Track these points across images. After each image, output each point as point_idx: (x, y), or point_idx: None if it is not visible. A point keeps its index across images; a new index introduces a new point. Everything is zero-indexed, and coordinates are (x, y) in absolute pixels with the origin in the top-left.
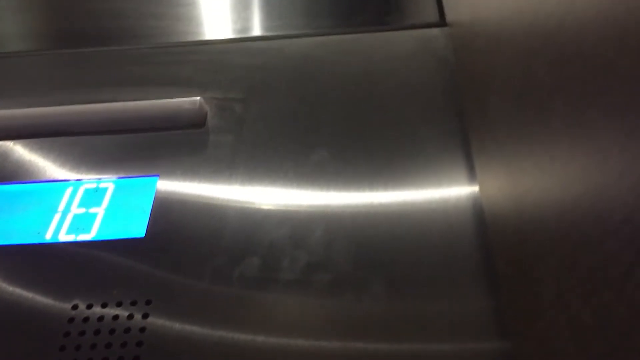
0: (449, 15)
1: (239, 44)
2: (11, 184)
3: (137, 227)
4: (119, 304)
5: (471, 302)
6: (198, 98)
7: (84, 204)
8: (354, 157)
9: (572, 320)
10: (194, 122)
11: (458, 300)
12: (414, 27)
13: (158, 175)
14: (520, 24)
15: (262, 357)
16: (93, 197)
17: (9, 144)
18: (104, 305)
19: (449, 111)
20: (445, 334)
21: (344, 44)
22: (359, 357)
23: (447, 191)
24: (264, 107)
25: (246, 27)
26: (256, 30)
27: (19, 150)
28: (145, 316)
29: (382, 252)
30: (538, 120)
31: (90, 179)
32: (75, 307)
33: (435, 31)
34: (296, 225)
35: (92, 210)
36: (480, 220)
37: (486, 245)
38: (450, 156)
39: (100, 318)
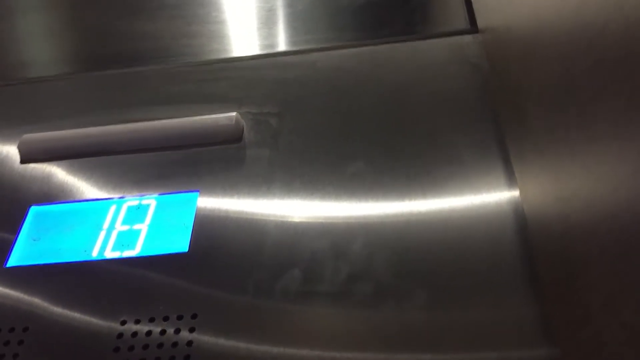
0: (480, 22)
1: (271, 59)
2: (57, 203)
3: (180, 243)
4: (165, 319)
5: (516, 310)
6: (234, 113)
7: (128, 221)
8: (390, 167)
9: (625, 324)
10: (231, 137)
11: (502, 308)
12: (444, 34)
13: (198, 191)
14: (560, 28)
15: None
16: (136, 214)
17: (53, 165)
18: (151, 320)
19: (483, 118)
20: (490, 343)
21: (375, 55)
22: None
23: (487, 198)
24: (298, 120)
25: (276, 43)
26: (286, 45)
27: (63, 171)
28: (191, 330)
29: (423, 261)
30: (583, 124)
31: (132, 197)
32: (123, 322)
33: (466, 38)
34: (336, 237)
35: (136, 227)
36: (521, 226)
37: (529, 251)
38: (487, 163)
39: (148, 333)
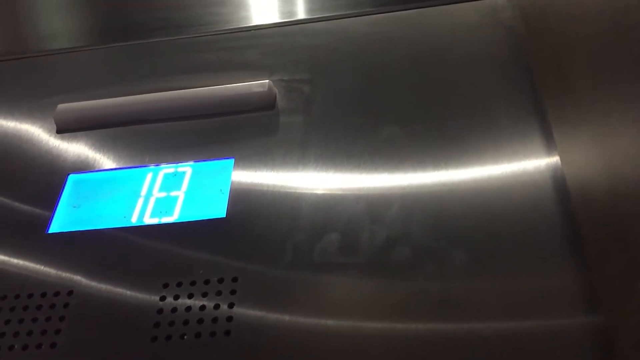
0: None
1: (302, 26)
2: (94, 172)
3: (217, 208)
4: (206, 282)
5: (557, 276)
6: (267, 81)
7: (165, 188)
8: (425, 131)
9: None
10: (264, 105)
11: (544, 275)
12: None
13: (233, 158)
14: None
15: (347, 331)
16: (172, 181)
17: (89, 134)
18: (192, 284)
19: (519, 81)
20: (532, 310)
21: (408, 19)
22: (445, 331)
23: (525, 161)
24: (331, 86)
25: (308, 9)
26: (316, 11)
27: (99, 140)
28: (232, 292)
29: (461, 227)
30: (633, 77)
31: (168, 164)
32: (165, 285)
33: (500, 1)
34: (372, 201)
35: (173, 193)
36: (562, 191)
37: (570, 216)
38: (525, 126)
39: (191, 295)
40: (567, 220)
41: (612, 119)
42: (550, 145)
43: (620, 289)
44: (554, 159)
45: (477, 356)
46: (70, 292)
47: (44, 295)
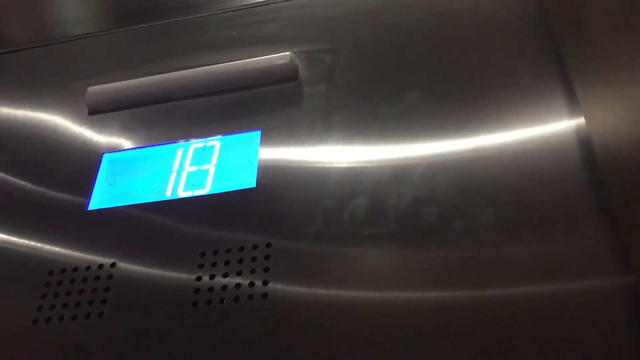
0: None
1: None
2: (127, 150)
3: (247, 179)
4: (241, 249)
5: (586, 237)
6: (288, 53)
7: (195, 162)
8: (446, 95)
9: None
10: (287, 76)
11: (571, 235)
12: None
13: (260, 130)
14: None
15: (381, 288)
16: (202, 155)
17: (120, 115)
18: (228, 251)
19: (540, 43)
20: (563, 272)
21: None
22: (474, 295)
23: (547, 120)
24: (351, 55)
25: None
26: None
27: (130, 119)
28: (267, 258)
29: (487, 186)
30: None
31: (197, 139)
32: (202, 254)
33: None
34: (397, 164)
35: (204, 167)
36: (587, 145)
37: (597, 177)
38: (546, 84)
39: (227, 262)
40: (594, 177)
41: (635, 66)
42: (572, 100)
43: None
44: (577, 115)
45: (507, 319)
46: (113, 264)
47: (88, 268)
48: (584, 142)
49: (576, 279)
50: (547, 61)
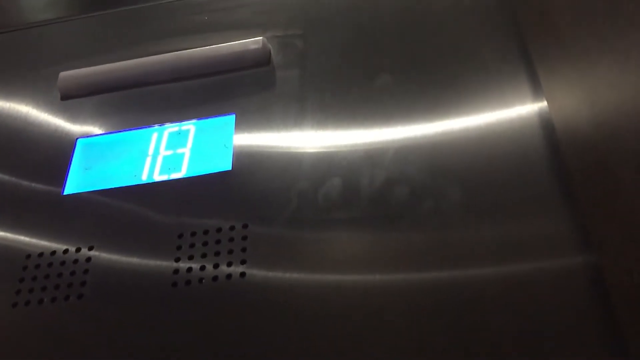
0: None
1: None
2: (103, 135)
3: (223, 162)
4: (218, 230)
5: (550, 218)
6: (261, 38)
7: (171, 146)
8: (416, 78)
9: None
10: (260, 61)
11: (536, 216)
12: None
13: (234, 114)
14: None
15: (357, 264)
16: (177, 139)
17: (93, 100)
18: (205, 232)
19: (505, 26)
20: (529, 251)
21: None
22: (444, 276)
23: (513, 103)
24: (323, 40)
25: None
26: None
27: (103, 104)
28: (244, 238)
29: (456, 167)
30: (609, 9)
31: (172, 124)
32: (180, 235)
33: None
34: (370, 147)
35: (179, 151)
36: (549, 127)
37: (559, 158)
38: (512, 69)
39: (205, 243)
40: (556, 158)
41: (592, 52)
42: (536, 84)
43: (604, 216)
44: (540, 98)
45: (475, 298)
46: (91, 247)
47: (66, 252)
48: (546, 125)
49: (541, 258)
50: (512, 46)
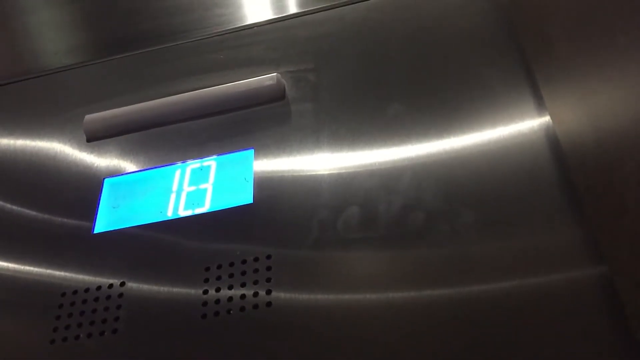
0: None
1: (301, 18)
2: (128, 174)
3: (244, 196)
4: (243, 262)
5: (560, 232)
6: (275, 74)
7: (193, 182)
8: (426, 105)
9: None
10: (275, 96)
11: (547, 231)
12: None
13: (253, 148)
14: None
15: (375, 290)
16: (199, 175)
17: (117, 140)
18: (231, 264)
19: (509, 50)
20: (541, 266)
21: (400, 3)
22: (462, 293)
23: (520, 124)
24: (335, 72)
25: (304, 2)
26: (313, 3)
27: (127, 144)
28: (268, 269)
29: (468, 189)
30: (605, 41)
31: (194, 160)
32: (207, 268)
33: None
34: (385, 174)
35: (202, 186)
36: (555, 146)
37: (566, 173)
38: (517, 91)
39: (231, 275)
40: (563, 173)
41: (590, 79)
42: (540, 105)
43: (612, 229)
44: (546, 119)
45: (492, 313)
46: (122, 284)
47: (99, 288)
48: (552, 143)
49: (553, 272)
50: (516, 67)
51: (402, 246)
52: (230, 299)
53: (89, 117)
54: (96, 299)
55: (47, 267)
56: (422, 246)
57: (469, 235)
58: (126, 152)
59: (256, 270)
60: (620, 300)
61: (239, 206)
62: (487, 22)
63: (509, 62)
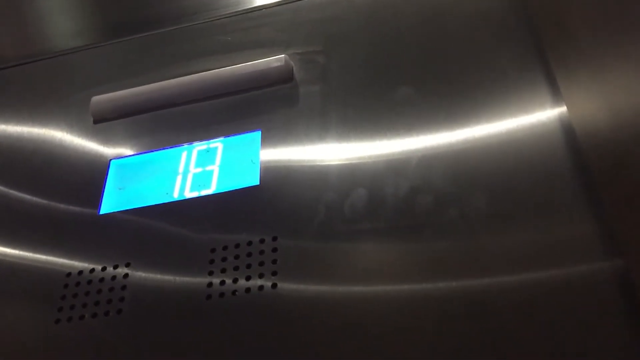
0: None
1: (310, 0)
2: (134, 155)
3: (251, 177)
4: (249, 243)
5: (575, 223)
6: (283, 55)
7: (200, 164)
8: (437, 89)
9: None
10: (283, 78)
11: (561, 222)
12: None
13: (260, 130)
14: None
15: (385, 273)
16: (206, 157)
17: (124, 122)
18: (237, 246)
19: (522, 34)
20: (555, 258)
21: None
22: (472, 284)
23: (533, 109)
24: (344, 55)
25: None
26: None
27: (133, 126)
28: (274, 250)
29: (478, 174)
30: (623, 29)
31: (200, 142)
32: (213, 250)
33: None
34: (393, 157)
35: (208, 168)
36: (571, 137)
37: (581, 162)
38: (530, 76)
39: (237, 256)
40: (578, 163)
41: (607, 59)
42: (555, 90)
43: (628, 219)
44: (560, 103)
45: (503, 304)
46: (128, 264)
47: (104, 269)
48: (567, 129)
49: (568, 263)
50: (530, 54)
51: (409, 232)
52: (235, 280)
53: (95, 98)
54: (101, 280)
55: (53, 248)
56: (430, 234)
57: (479, 222)
58: (133, 133)
59: (262, 252)
60: (636, 294)
61: (245, 188)
62: (501, 5)
63: (522, 46)
